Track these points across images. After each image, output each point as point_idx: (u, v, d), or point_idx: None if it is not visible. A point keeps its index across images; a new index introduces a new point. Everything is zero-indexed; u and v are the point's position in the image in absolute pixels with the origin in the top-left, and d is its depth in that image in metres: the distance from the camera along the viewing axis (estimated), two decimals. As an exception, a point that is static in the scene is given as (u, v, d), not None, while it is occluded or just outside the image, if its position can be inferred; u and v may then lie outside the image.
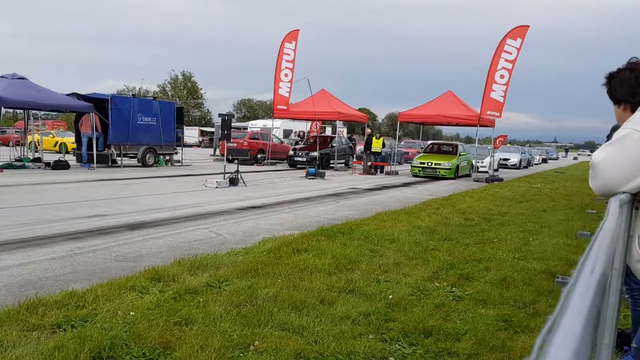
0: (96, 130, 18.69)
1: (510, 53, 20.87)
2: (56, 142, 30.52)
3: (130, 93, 46.15)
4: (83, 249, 6.27)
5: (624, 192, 1.94)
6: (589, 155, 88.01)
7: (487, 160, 25.74)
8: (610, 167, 2.01)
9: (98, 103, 18.97)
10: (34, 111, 20.18)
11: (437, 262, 6.08)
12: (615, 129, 3.48)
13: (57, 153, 26.47)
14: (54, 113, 21.83)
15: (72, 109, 19.19)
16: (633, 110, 2.15)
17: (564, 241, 7.75)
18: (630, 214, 2.04)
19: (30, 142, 21.03)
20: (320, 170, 19.77)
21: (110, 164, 19.61)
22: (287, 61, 25.35)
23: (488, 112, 21.30)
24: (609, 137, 3.12)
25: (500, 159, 32.19)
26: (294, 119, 30.44)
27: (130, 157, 20.64)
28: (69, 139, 28.74)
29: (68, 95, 18.89)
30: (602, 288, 0.67)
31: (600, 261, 0.74)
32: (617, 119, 2.39)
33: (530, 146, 63.61)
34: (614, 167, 2.00)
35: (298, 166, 23.92)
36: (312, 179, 18.45)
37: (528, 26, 21.09)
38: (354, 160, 26.49)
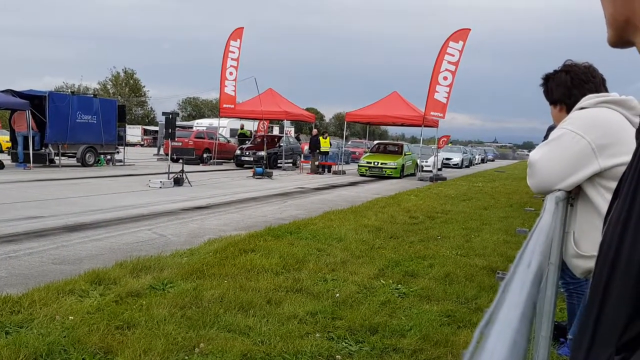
0: (32, 128, 17.91)
1: (453, 55, 21.39)
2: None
3: (69, 90, 44.59)
4: (19, 252, 5.99)
5: (559, 190, 2.02)
6: (527, 155, 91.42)
7: (431, 160, 26.31)
8: (546, 165, 2.08)
9: (35, 100, 18.19)
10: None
11: (383, 260, 6.16)
12: (551, 129, 3.62)
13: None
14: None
15: (7, 106, 18.31)
16: (569, 111, 2.24)
17: (504, 238, 8.02)
18: (565, 211, 2.12)
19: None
20: (268, 170, 19.67)
21: (47, 163, 18.83)
22: (232, 59, 25.09)
23: (432, 113, 21.77)
24: (545, 137, 3.25)
25: (444, 159, 32.99)
26: (240, 118, 30.17)
27: (69, 157, 19.88)
28: (4, 138, 27.38)
29: (2, 92, 18.02)
30: (538, 282, 0.68)
31: (536, 256, 0.76)
32: (553, 119, 2.49)
33: (472, 146, 65.23)
34: (550, 165, 2.07)
35: (245, 166, 23.72)
36: (260, 178, 18.34)
37: (469, 29, 21.68)
38: (302, 159, 26.51)
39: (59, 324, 3.67)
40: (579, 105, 2.16)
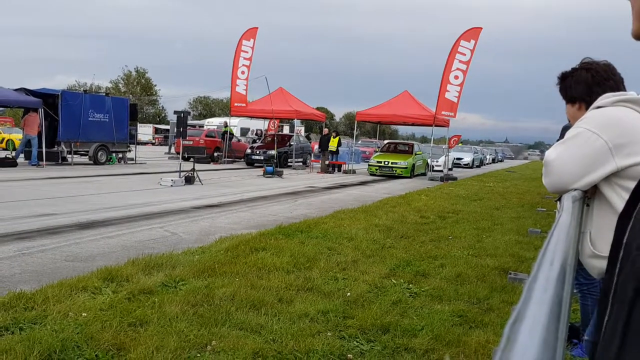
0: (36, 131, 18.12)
1: (464, 54, 21.31)
2: (3, 139, 29.35)
3: (82, 89, 44.90)
4: (32, 249, 6.05)
5: (575, 189, 2.00)
6: (538, 155, 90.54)
7: (441, 160, 26.22)
8: (562, 164, 2.06)
9: (47, 99, 18.34)
10: (-22, 106, 19.37)
11: (394, 259, 6.15)
12: (566, 128, 3.59)
13: (3, 150, 25.47)
14: (0, 109, 20.94)
15: (20, 105, 18.49)
16: (587, 109, 2.22)
17: (516, 238, 7.97)
18: (581, 211, 2.10)
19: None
20: (278, 169, 19.71)
21: (60, 161, 18.99)
22: (244, 59, 25.17)
23: (443, 112, 21.70)
24: (561, 137, 3.22)
25: (455, 159, 32.85)
26: (251, 117, 30.23)
27: (82, 155, 20.05)
28: (17, 136, 27.67)
29: (16, 90, 18.19)
30: (562, 279, 0.68)
31: (558, 254, 0.75)
32: (569, 117, 2.46)
33: (483, 146, 64.81)
34: (566, 164, 2.05)
35: (255, 165, 23.77)
36: (270, 177, 18.37)
37: (481, 28, 21.59)
38: (312, 159, 26.52)
39: (72, 321, 3.69)
40: (595, 104, 2.14)
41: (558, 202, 3.40)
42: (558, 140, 2.72)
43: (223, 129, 26.53)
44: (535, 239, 7.91)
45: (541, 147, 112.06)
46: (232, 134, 25.77)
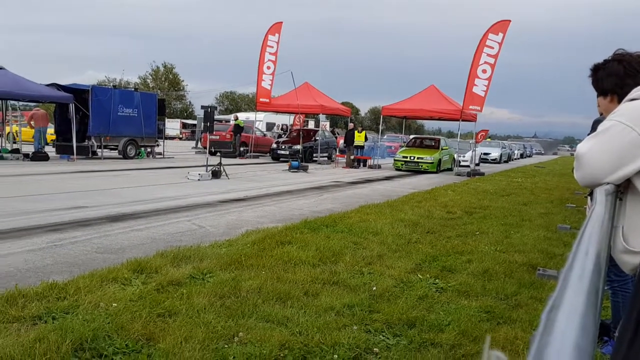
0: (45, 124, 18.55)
1: (492, 48, 21.03)
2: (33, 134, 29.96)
3: (111, 84, 45.60)
4: (63, 241, 6.19)
5: (608, 183, 1.97)
6: (567, 150, 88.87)
7: (468, 155, 25.95)
8: (594, 158, 2.03)
9: (78, 94, 18.70)
10: (12, 102, 19.82)
11: (420, 254, 6.12)
12: (597, 122, 3.51)
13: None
14: (33, 104, 21.42)
15: (52, 100, 18.89)
16: (620, 102, 2.17)
17: (545, 234, 7.86)
18: (614, 205, 2.06)
19: (9, 133, 20.68)
20: (304, 164, 19.75)
21: (90, 155, 19.37)
22: (270, 54, 25.26)
23: (470, 107, 21.47)
24: (592, 130, 3.16)
25: (482, 154, 32.47)
26: (277, 112, 30.35)
27: (111, 149, 20.40)
28: (49, 130, 28.27)
29: (48, 85, 18.59)
30: (598, 270, 0.67)
31: (592, 244, 0.74)
32: (601, 110, 2.42)
33: (511, 141, 63.82)
34: (598, 158, 2.02)
35: (281, 159, 23.87)
36: (295, 172, 18.43)
37: (509, 21, 21.26)
38: (337, 153, 26.50)
39: (103, 311, 3.77)
40: (629, 96, 2.09)
41: (588, 198, 3.35)
42: (589, 134, 2.67)
43: (234, 122, 26.27)
44: (565, 236, 7.78)
45: (571, 142, 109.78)
46: (242, 128, 25.60)
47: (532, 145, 72.24)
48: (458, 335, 3.72)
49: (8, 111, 20.21)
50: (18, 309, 3.72)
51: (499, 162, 36.27)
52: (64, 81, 19.41)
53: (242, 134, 25.71)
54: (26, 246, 5.84)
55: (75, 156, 18.32)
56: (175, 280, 4.58)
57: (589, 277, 0.58)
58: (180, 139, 49.81)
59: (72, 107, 18.19)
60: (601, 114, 2.53)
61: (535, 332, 0.41)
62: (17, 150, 18.55)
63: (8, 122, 20.57)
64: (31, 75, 18.12)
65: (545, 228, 8.42)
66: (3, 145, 19.39)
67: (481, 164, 29.18)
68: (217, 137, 23.72)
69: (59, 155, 19.30)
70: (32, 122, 19.55)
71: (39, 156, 17.75)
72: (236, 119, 26.53)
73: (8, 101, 19.42)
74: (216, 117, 21.16)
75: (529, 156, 60.12)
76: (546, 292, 4.87)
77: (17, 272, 4.88)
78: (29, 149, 19.21)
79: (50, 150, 19.71)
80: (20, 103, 21.29)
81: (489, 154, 36.13)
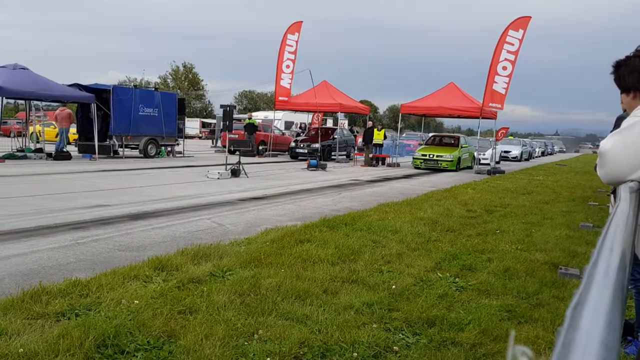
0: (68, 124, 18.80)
1: (513, 44, 20.79)
2: (57, 133, 30.46)
3: (132, 84, 46.09)
4: (86, 239, 6.27)
5: (632, 180, 1.93)
6: (590, 148, 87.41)
7: (488, 153, 25.73)
8: (618, 155, 2.00)
9: (100, 94, 18.96)
10: (35, 102, 20.16)
11: (439, 253, 6.08)
12: (620, 119, 3.46)
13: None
14: (55, 104, 21.77)
15: (75, 100, 19.17)
16: None
17: (567, 233, 7.75)
18: (638, 203, 2.03)
19: (32, 132, 21.02)
20: (322, 162, 19.76)
21: (111, 154, 19.61)
22: (289, 52, 25.31)
23: (490, 104, 21.26)
24: (615, 127, 3.11)
25: (502, 151, 32.15)
26: (295, 110, 30.39)
27: (132, 148, 20.64)
28: (72, 130, 28.71)
29: (70, 85, 18.87)
30: (623, 266, 0.66)
31: (617, 241, 0.73)
32: (624, 107, 2.38)
33: (532, 139, 63.02)
34: (622, 155, 1.99)
35: (299, 158, 23.91)
36: (314, 170, 18.44)
37: (530, 17, 20.99)
38: (356, 152, 26.47)
39: (124, 308, 3.82)
40: None
41: (611, 196, 3.29)
42: (612, 130, 2.63)
43: (246, 121, 25.89)
44: (587, 234, 7.67)
45: (593, 139, 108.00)
46: (256, 127, 25.58)
47: (553, 143, 71.06)
48: (479, 335, 3.69)
49: (31, 111, 20.54)
50: (42, 305, 3.78)
51: (519, 160, 35.87)
52: (85, 81, 19.69)
53: (258, 132, 25.76)
54: (50, 244, 5.93)
55: (97, 155, 18.57)
56: (196, 277, 4.62)
57: (614, 273, 0.57)
58: (200, 137, 50.14)
59: (93, 107, 18.44)
60: (624, 111, 2.50)
61: (559, 329, 0.41)
62: (40, 150, 18.86)
63: (32, 122, 20.91)
64: (53, 76, 18.43)
65: (567, 226, 8.31)
66: (27, 144, 19.72)
67: (501, 162, 28.89)
68: (237, 136, 23.84)
69: (81, 155, 19.58)
70: (55, 122, 19.88)
71: (62, 155, 18.03)
72: (250, 118, 26.55)
73: (31, 101, 19.73)
74: (235, 116, 21.29)
75: (551, 154, 59.31)
76: (568, 291, 4.81)
77: (41, 269, 4.96)
78: (51, 148, 19.52)
79: (72, 149, 20.02)
80: (43, 103, 21.62)
81: (510, 151, 35.74)
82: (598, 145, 2.15)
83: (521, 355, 0.42)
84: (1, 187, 10.55)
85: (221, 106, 16.10)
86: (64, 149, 18.85)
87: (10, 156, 17.27)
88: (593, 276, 0.56)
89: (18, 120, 29.97)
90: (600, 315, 0.43)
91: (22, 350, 3.06)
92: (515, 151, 36.42)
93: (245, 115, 26.82)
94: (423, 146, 24.28)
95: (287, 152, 26.19)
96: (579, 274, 5.25)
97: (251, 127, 25.03)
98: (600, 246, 0.69)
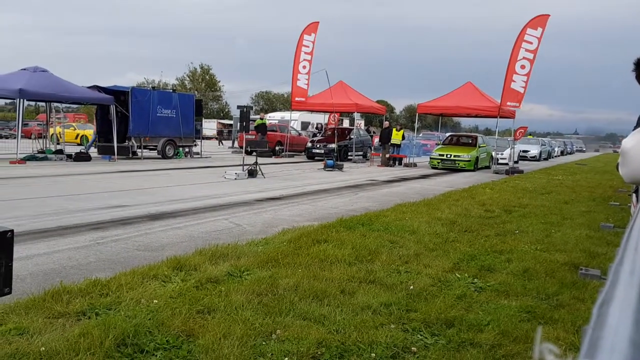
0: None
1: (531, 43, 20.58)
2: (77, 135, 30.93)
3: (150, 86, 46.49)
4: (106, 239, 6.35)
5: (655, 179, 1.90)
6: (610, 147, 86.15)
7: (507, 152, 25.50)
8: (640, 153, 1.96)
9: (118, 95, 19.17)
10: (55, 104, 20.45)
11: (457, 253, 6.04)
12: (643, 117, 3.40)
13: (78, 145, 26.81)
14: (75, 105, 22.10)
15: (93, 102, 19.42)
16: None
17: (587, 233, 7.65)
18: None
19: (52, 134, 21.32)
20: (339, 162, 19.74)
21: (130, 155, 19.82)
22: (305, 53, 25.34)
23: (508, 103, 21.06)
24: (637, 125, 3.06)
25: (520, 151, 31.84)
26: (311, 111, 30.42)
27: (150, 149, 20.84)
28: (90, 131, 29.10)
29: (89, 87, 19.10)
30: (649, 265, 0.65)
31: (643, 241, 0.72)
32: (647, 105, 2.34)
33: (551, 138, 62.25)
34: (644, 153, 1.95)
35: (316, 158, 23.92)
36: (330, 171, 18.44)
37: (548, 15, 20.76)
38: (372, 152, 26.41)
39: (144, 307, 3.85)
40: None
41: (633, 196, 3.24)
42: (634, 129, 2.59)
43: (257, 122, 25.34)
44: (608, 234, 7.56)
45: (614, 139, 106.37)
46: (266, 126, 25.38)
47: (572, 142, 70.14)
48: (498, 335, 3.66)
49: (52, 113, 20.83)
50: (63, 304, 3.83)
51: (538, 160, 35.50)
52: (104, 83, 19.89)
53: (274, 132, 25.74)
54: (70, 244, 6.01)
55: (116, 156, 18.78)
56: (214, 277, 4.64)
57: (640, 272, 0.56)
58: (217, 138, 50.38)
59: (112, 108, 18.65)
60: (647, 108, 2.45)
61: (585, 327, 0.40)
62: (60, 151, 19.12)
63: (52, 123, 21.20)
64: (73, 78, 18.69)
65: (587, 227, 8.20)
66: (47, 146, 20.00)
67: (520, 162, 28.60)
68: (253, 137, 23.93)
69: (100, 156, 19.81)
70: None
71: (82, 157, 18.25)
72: (261, 118, 26.45)
73: (52, 103, 20.01)
74: (252, 116, 21.33)
75: (570, 153, 58.60)
76: (589, 292, 4.75)
77: (61, 269, 5.03)
78: (71, 149, 19.78)
79: (92, 150, 20.26)
80: (63, 105, 21.91)
81: (528, 151, 35.40)
82: (619, 145, 2.12)
83: (548, 353, 0.42)
84: (22, 188, 10.72)
85: (238, 107, 16.17)
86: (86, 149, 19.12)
87: (31, 158, 17.53)
88: (619, 274, 0.55)
89: (39, 122, 30.39)
90: (627, 313, 0.42)
91: (43, 349, 3.10)
92: (534, 150, 36.06)
93: (257, 116, 26.78)
94: (440, 146, 24.15)
95: (303, 153, 26.23)
96: (600, 274, 5.17)
97: (262, 128, 24.98)
98: (624, 245, 0.68)
